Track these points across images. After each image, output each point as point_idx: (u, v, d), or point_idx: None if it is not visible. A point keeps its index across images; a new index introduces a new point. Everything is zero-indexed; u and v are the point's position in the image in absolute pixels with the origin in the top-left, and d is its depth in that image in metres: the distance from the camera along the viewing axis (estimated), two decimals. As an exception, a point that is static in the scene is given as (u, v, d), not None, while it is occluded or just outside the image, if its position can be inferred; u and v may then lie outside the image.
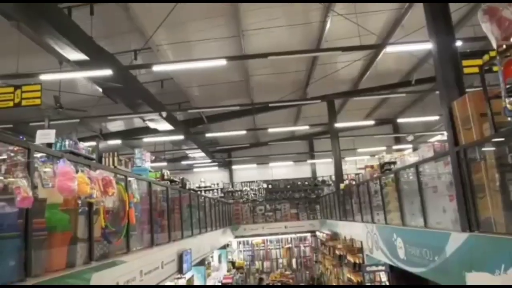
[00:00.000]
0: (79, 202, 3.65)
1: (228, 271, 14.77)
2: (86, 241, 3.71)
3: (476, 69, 5.77)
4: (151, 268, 5.34)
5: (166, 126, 12.88)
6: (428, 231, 5.73)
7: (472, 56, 6.45)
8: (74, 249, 3.52)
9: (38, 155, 3.22)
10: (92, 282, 3.53)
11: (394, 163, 9.10)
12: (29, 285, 2.66)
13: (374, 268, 9.78)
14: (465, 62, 6.16)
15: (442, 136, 15.96)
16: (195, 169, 23.05)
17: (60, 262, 3.32)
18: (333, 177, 17.06)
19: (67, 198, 3.38)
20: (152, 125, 12.82)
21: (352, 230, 11.46)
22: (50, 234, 3.17)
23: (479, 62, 5.70)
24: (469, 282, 4.46)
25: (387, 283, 9.79)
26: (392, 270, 10.31)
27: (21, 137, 5.34)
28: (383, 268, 9.76)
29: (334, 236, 14.37)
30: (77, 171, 3.41)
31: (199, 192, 14.48)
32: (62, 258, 3.36)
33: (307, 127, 17.00)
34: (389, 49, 9.24)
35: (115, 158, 7.68)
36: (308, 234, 20.46)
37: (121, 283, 4.24)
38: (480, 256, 4.22)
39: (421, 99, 16.41)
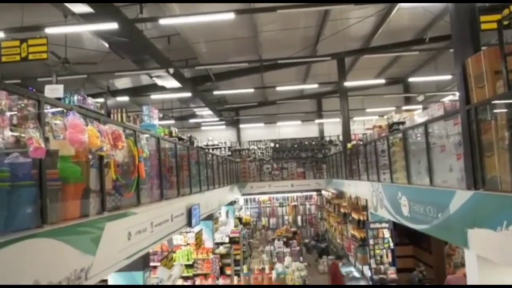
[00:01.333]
0: (90, 156, 3.74)
1: (235, 226, 15.25)
2: (98, 192, 3.83)
3: (494, 25, 5.53)
4: (161, 221, 5.54)
5: (173, 83, 12.79)
6: (433, 189, 5.80)
7: (491, 11, 6.16)
8: (87, 200, 3.64)
9: (48, 108, 3.25)
10: (106, 231, 3.68)
11: (403, 123, 9.04)
12: (45, 231, 2.79)
13: (377, 225, 10.03)
14: (483, 18, 5.90)
15: (453, 96, 15.69)
16: (202, 128, 23.16)
17: (74, 212, 3.45)
18: (341, 137, 17.07)
19: (78, 151, 3.44)
20: (159, 82, 12.74)
21: (357, 188, 11.64)
22: (64, 185, 3.27)
23: (497, 17, 5.47)
24: (471, 238, 4.58)
25: (390, 240, 10.09)
26: (395, 228, 10.59)
27: (30, 88, 5.35)
28: (387, 225, 10.01)
29: (340, 195, 14.62)
30: (86, 125, 3.46)
31: (206, 150, 14.63)
32: (76, 208, 3.49)
33: (316, 85, 16.76)
34: (403, 4, 8.87)
35: (123, 115, 7.72)
36: (314, 193, 20.85)
37: (133, 233, 4.42)
38: (483, 213, 4.29)
39: (434, 58, 15.95)
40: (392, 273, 9.84)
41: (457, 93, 5.19)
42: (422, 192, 6.31)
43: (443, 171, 5.76)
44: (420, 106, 18.85)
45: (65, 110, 3.38)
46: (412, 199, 6.66)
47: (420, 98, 19.19)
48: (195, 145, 12.29)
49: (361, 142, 12.20)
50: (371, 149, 10.08)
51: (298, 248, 15.12)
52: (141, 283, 5.05)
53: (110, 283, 5.16)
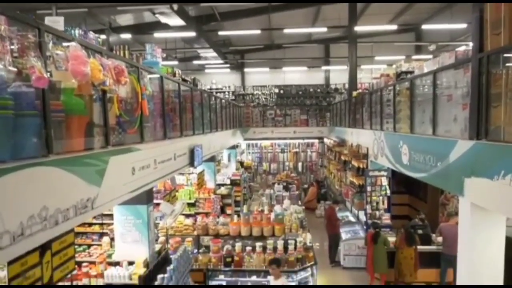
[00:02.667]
0: (93, 91, 3.72)
1: (236, 169, 15.58)
2: (102, 127, 3.86)
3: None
4: (164, 159, 5.65)
5: (177, 21, 12.31)
6: (435, 139, 5.82)
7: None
8: (91, 134, 3.68)
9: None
10: (110, 165, 3.77)
11: (412, 72, 8.84)
12: (51, 160, 2.85)
13: (376, 173, 10.22)
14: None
15: (466, 47, 15.17)
16: (206, 70, 22.77)
17: (78, 144, 3.50)
18: (346, 85, 16.81)
19: (81, 84, 3.41)
20: (163, 19, 12.27)
21: (359, 137, 11.69)
22: (67, 117, 3.28)
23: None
24: (467, 186, 4.67)
25: (387, 188, 10.33)
26: (393, 176, 10.80)
27: (30, 15, 5.17)
28: (385, 173, 10.21)
29: (341, 143, 14.73)
30: (88, 57, 3.39)
31: (210, 93, 14.50)
32: (80, 140, 3.53)
33: (325, 29, 16.13)
34: None
35: (126, 52, 7.55)
36: (316, 140, 21.00)
37: (136, 168, 4.53)
38: (482, 162, 4.34)
39: (450, 6, 15.18)
40: (386, 219, 10.21)
41: (471, 43, 5.02)
42: (423, 142, 6.34)
43: (447, 121, 5.74)
44: (431, 56, 18.32)
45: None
46: (413, 148, 6.71)
47: (432, 47, 18.57)
48: (198, 88, 12.16)
49: (367, 91, 12.04)
50: (376, 98, 9.97)
51: (297, 192, 15.54)
52: (145, 216, 5.28)
53: (115, 215, 5.41)
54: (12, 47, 2.76)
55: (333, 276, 9.82)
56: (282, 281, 6.20)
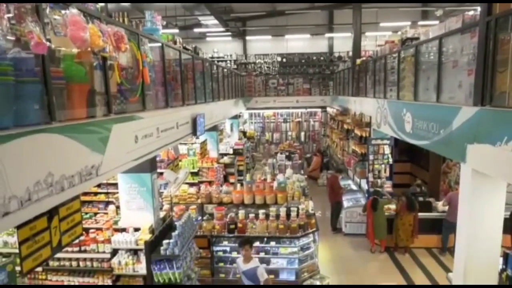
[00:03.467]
0: (93, 58, 3.67)
1: (239, 139, 15.62)
2: (104, 95, 3.84)
3: None
4: (167, 127, 5.65)
5: (177, -13, 11.98)
6: (439, 106, 5.78)
7: None
8: (93, 101, 3.67)
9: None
10: (113, 133, 3.78)
11: (417, 39, 8.65)
12: (54, 127, 2.86)
13: (379, 141, 10.22)
14: None
15: (474, 11, 14.70)
16: (208, 39, 22.33)
17: (80, 112, 3.50)
18: (350, 53, 16.49)
19: (81, 51, 3.37)
20: (162, -15, 11.93)
21: (362, 105, 11.61)
22: (68, 84, 3.26)
23: None
24: (469, 153, 4.68)
25: (389, 156, 10.36)
26: (396, 145, 10.82)
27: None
28: (388, 142, 10.21)
29: (344, 112, 14.65)
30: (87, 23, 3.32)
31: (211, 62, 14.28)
32: (83, 108, 3.53)
33: (328, -5, 15.67)
34: None
35: (125, 19, 7.39)
36: (319, 110, 20.89)
37: (139, 137, 4.54)
38: (485, 129, 4.32)
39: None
40: (388, 187, 10.31)
41: (479, 8, 4.86)
42: (427, 109, 6.29)
43: (451, 88, 5.67)
44: (437, 22, 17.83)
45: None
46: (416, 115, 6.67)
47: (439, 12, 18.04)
48: (200, 56, 11.98)
49: (371, 59, 11.83)
50: (381, 66, 9.82)
51: (299, 162, 15.64)
52: (149, 184, 5.35)
53: (120, 183, 5.48)
54: (9, 15, 2.71)
55: (334, 242, 10.06)
56: (254, 263, 5.60)
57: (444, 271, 8.24)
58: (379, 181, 10.30)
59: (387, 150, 10.26)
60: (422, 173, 12.67)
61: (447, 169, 11.34)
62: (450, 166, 11.33)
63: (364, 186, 11.18)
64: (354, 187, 12.36)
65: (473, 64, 4.82)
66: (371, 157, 10.27)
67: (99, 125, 3.52)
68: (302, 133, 21.46)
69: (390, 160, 10.36)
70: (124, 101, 4.35)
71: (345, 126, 13.65)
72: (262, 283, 5.40)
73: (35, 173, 2.65)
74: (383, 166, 10.42)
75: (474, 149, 4.55)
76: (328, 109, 19.15)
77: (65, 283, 5.44)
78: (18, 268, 3.12)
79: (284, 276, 7.39)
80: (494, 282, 5.08)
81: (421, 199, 9.97)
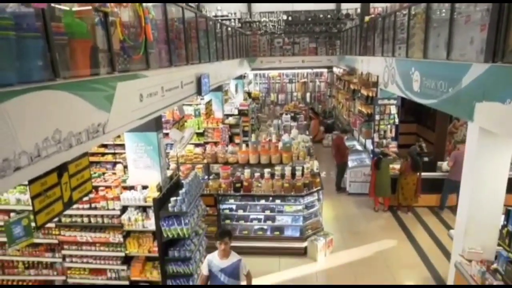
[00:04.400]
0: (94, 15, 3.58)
1: (244, 100, 15.51)
2: (107, 52, 3.78)
3: None
4: (172, 86, 5.60)
5: None
6: (448, 63, 5.63)
7: None
8: (96, 59, 3.62)
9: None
10: (118, 91, 3.76)
11: (430, -7, 8.29)
12: (59, 83, 2.85)
13: (385, 101, 10.12)
14: None
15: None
16: (211, -4, 21.58)
17: (84, 70, 3.46)
18: (358, 11, 15.92)
19: (81, 6, 3.28)
20: None
21: (370, 65, 11.37)
22: (71, 40, 3.21)
23: None
24: (477, 111, 4.62)
25: (396, 116, 10.29)
26: (403, 105, 10.71)
27: None
28: (395, 102, 10.10)
29: (351, 72, 14.38)
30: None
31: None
32: (86, 65, 3.49)
33: None
34: None
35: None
36: (325, 70, 20.53)
37: (144, 95, 4.52)
38: (495, 86, 4.23)
39: None
40: (393, 147, 10.33)
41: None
42: (436, 66, 6.15)
43: (462, 44, 5.50)
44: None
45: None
46: (425, 73, 6.54)
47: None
48: (203, 14, 11.63)
49: (380, 16, 11.43)
50: (390, 23, 9.50)
51: (305, 122, 15.60)
52: (155, 142, 5.40)
53: (126, 142, 5.54)
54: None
55: (338, 201, 10.25)
56: (234, 257, 4.68)
57: (445, 228, 8.43)
58: (384, 141, 10.30)
59: (393, 110, 10.18)
60: (428, 134, 12.63)
61: (454, 129, 11.28)
62: (456, 126, 11.26)
63: (369, 146, 11.20)
64: (359, 148, 12.40)
65: (486, 19, 4.64)
66: (377, 117, 10.21)
67: (103, 82, 3.50)
68: (308, 94, 21.25)
69: (396, 120, 10.30)
70: (127, 59, 4.29)
71: (352, 86, 13.47)
72: (245, 276, 4.73)
73: (43, 130, 2.67)
74: (388, 126, 10.38)
75: (483, 107, 4.48)
76: (335, 69, 18.80)
77: (78, 239, 5.65)
78: (34, 225, 3.22)
79: (289, 233, 7.61)
80: (495, 239, 5.20)
81: (426, 159, 10.01)
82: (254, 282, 6.57)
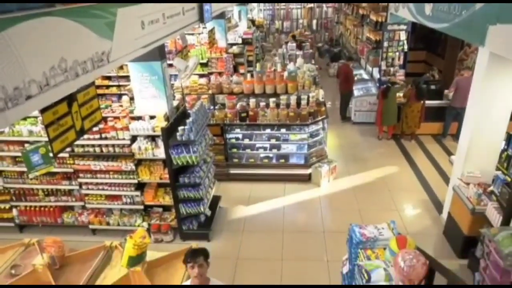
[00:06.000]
0: None
1: (248, 28, 14.95)
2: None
3: None
4: (173, 13, 5.41)
5: None
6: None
7: None
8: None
9: None
10: (119, 17, 3.66)
11: None
12: (58, 9, 2.79)
13: (395, 27, 9.74)
14: None
15: None
16: None
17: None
18: None
19: None
20: None
21: (380, -13, 10.74)
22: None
23: None
24: (489, 34, 4.46)
25: (405, 42, 9.97)
26: (413, 32, 10.31)
27: None
28: (405, 27, 9.72)
29: (360, -5, 13.63)
30: None
31: None
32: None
33: None
34: None
35: None
36: (333, -6, 19.44)
37: (146, 22, 4.40)
38: (510, 7, 4.05)
39: None
40: (400, 75, 10.18)
41: None
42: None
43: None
44: None
45: None
46: (438, -5, 6.21)
47: None
48: None
49: None
50: None
51: (310, 51, 15.18)
52: (160, 72, 5.37)
53: (131, 72, 5.51)
54: None
55: (343, 130, 10.38)
56: (212, 282, 3.20)
57: (447, 155, 8.62)
58: (391, 69, 10.12)
59: (403, 36, 9.84)
60: (438, 61, 12.32)
61: (464, 56, 10.97)
62: (467, 53, 10.94)
63: (376, 75, 11.03)
64: (365, 76, 12.21)
65: None
66: (385, 44, 9.91)
67: (103, 9, 3.40)
68: (314, 21, 20.37)
69: (405, 47, 10.00)
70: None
71: (360, 11, 12.86)
72: None
73: (49, 58, 2.68)
74: (397, 54, 10.12)
75: (496, 30, 4.33)
76: (343, -8, 17.77)
77: (91, 167, 5.90)
78: (52, 155, 3.36)
79: (293, 160, 7.86)
80: (494, 164, 5.36)
81: (433, 87, 9.90)
82: (261, 205, 7.02)
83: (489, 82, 5.03)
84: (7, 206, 6.44)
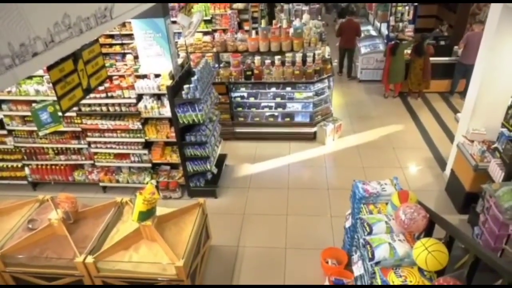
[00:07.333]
0: None
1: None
2: None
3: None
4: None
5: None
6: None
7: None
8: None
9: None
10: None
11: None
12: None
13: (406, -21, 9.31)
14: None
15: None
16: None
17: None
18: None
19: None
20: None
21: None
22: None
23: None
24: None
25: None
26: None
27: None
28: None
29: None
30: None
31: None
32: None
33: None
34: None
35: None
36: None
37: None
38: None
39: None
40: (409, 31, 9.89)
41: None
42: None
43: None
44: None
45: None
46: None
47: None
48: None
49: None
50: None
51: (317, 6, 14.67)
52: (163, 29, 5.28)
53: (135, 30, 5.43)
54: None
55: (348, 88, 10.28)
56: None
57: (453, 113, 8.58)
58: (400, 24, 9.83)
59: (414, -12, 9.44)
60: (449, 16, 11.89)
61: (477, 10, 10.58)
62: (480, 7, 10.54)
63: (384, 31, 10.72)
64: (373, 33, 11.88)
65: None
66: (394, -5, 9.54)
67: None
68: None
69: None
70: None
71: (370, -37, 12.26)
72: None
73: (51, 14, 2.65)
74: (407, 8, 9.77)
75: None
76: None
77: (99, 126, 5.97)
78: (60, 114, 3.41)
79: (299, 119, 7.87)
80: (499, 121, 5.34)
81: (442, 43, 9.65)
82: (266, 163, 7.14)
83: (500, 37, 4.90)
84: (19, 164, 6.61)
